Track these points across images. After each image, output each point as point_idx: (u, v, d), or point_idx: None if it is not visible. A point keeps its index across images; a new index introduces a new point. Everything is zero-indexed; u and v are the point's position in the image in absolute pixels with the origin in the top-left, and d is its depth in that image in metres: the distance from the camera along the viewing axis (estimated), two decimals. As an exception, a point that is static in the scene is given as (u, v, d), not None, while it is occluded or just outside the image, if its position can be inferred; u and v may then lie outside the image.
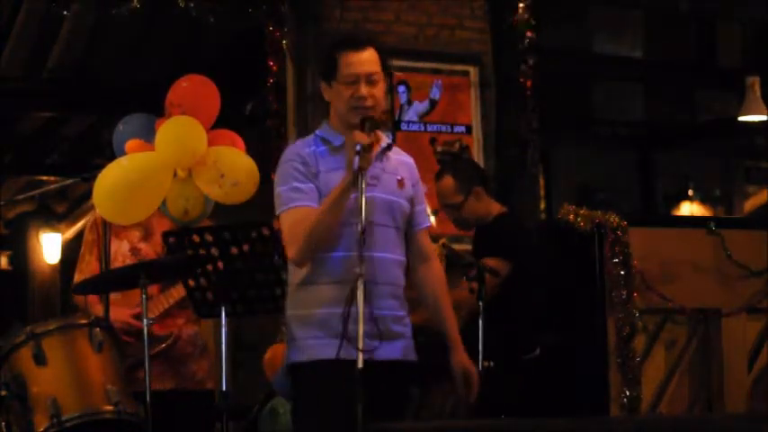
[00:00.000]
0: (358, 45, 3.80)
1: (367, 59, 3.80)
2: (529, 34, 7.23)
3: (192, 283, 4.67)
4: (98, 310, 4.93)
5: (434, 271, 4.00)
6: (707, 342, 5.19)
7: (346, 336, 3.59)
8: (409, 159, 3.98)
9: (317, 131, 3.91)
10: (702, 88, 10.99)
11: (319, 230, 3.68)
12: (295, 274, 3.82)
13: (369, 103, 3.77)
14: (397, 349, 3.81)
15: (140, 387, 4.64)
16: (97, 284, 4.86)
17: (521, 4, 7.26)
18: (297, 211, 3.73)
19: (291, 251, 3.75)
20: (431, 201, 7.09)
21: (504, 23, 7.33)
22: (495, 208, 5.38)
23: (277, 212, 3.82)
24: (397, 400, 3.82)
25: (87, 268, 5.03)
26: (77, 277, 5.03)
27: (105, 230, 4.91)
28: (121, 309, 4.85)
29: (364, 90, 3.77)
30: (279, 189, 3.81)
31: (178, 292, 4.91)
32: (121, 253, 5.00)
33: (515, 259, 5.08)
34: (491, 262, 4.97)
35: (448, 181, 5.37)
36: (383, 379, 3.66)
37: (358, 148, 3.58)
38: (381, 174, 3.84)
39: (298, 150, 3.84)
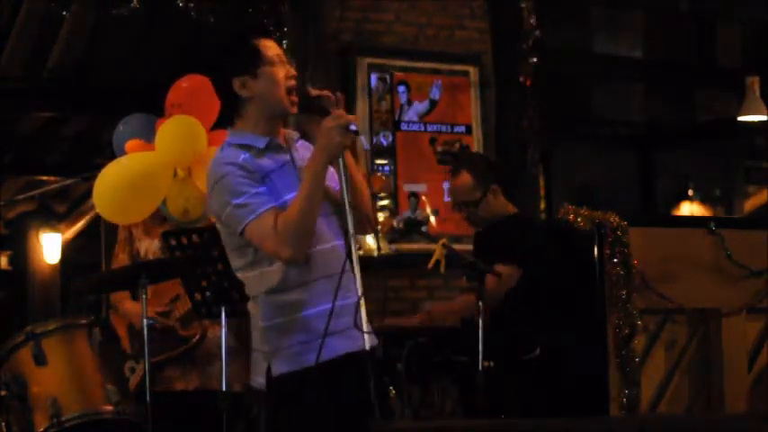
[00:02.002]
0: (265, 33, 3.75)
1: (275, 44, 3.75)
2: (537, 33, 7.25)
3: (191, 283, 4.68)
4: (128, 306, 4.93)
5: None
6: (707, 342, 5.19)
7: (359, 332, 3.50)
8: (304, 140, 3.82)
9: (230, 141, 3.70)
10: (702, 88, 11.00)
11: (308, 220, 3.55)
12: (262, 284, 3.64)
13: (294, 81, 3.70)
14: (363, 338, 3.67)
15: (163, 386, 4.66)
16: (97, 284, 4.87)
17: (523, 5, 7.27)
18: (270, 213, 3.55)
19: (286, 250, 3.53)
20: (432, 200, 7.12)
21: (506, 23, 7.34)
22: (510, 208, 5.35)
23: (244, 223, 3.56)
24: (372, 391, 3.71)
25: (119, 266, 5.06)
26: None
27: (105, 230, 4.92)
28: (150, 306, 4.85)
29: (291, 69, 3.70)
30: (235, 201, 3.56)
31: None
32: (152, 251, 5.02)
33: (526, 264, 5.06)
34: (502, 269, 4.94)
35: (465, 177, 5.28)
36: (363, 370, 3.58)
37: (354, 128, 3.50)
38: (303, 163, 3.71)
39: (232, 161, 3.61)
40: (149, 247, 5.03)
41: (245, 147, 3.67)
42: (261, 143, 3.68)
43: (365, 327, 3.51)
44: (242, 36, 3.73)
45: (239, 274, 3.73)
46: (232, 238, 3.67)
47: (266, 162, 3.66)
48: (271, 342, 3.65)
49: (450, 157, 7.04)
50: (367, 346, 3.47)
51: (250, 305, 3.73)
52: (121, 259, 5.07)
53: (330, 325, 3.56)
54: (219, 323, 4.97)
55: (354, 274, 3.53)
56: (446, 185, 7.13)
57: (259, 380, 3.70)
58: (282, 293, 3.63)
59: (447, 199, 7.16)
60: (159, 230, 5.01)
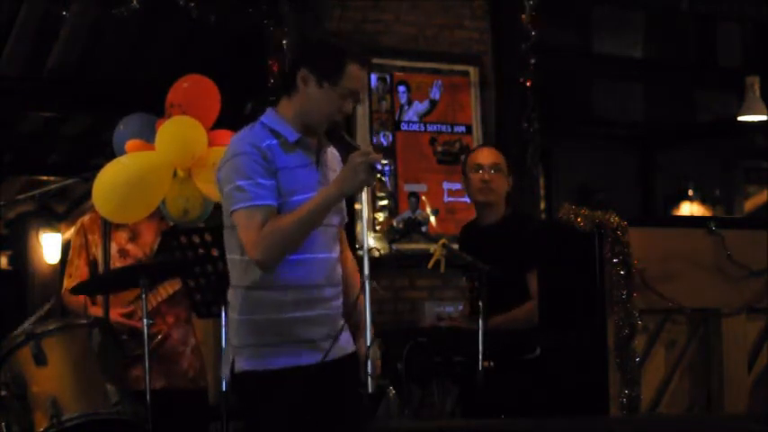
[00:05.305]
0: (364, 63, 3.68)
1: (364, 78, 3.73)
2: (537, 33, 7.26)
3: (191, 282, 4.68)
4: (94, 311, 4.94)
5: (349, 256, 3.90)
6: (707, 342, 5.18)
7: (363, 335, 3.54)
8: (334, 149, 3.79)
9: (264, 120, 3.67)
10: (702, 88, 11.00)
11: (297, 238, 3.53)
12: (244, 276, 3.63)
13: (342, 117, 3.69)
14: (347, 342, 3.73)
15: (132, 385, 4.66)
16: (97, 285, 4.86)
17: (529, 3, 7.27)
18: (264, 209, 3.52)
19: (259, 253, 3.50)
20: (432, 200, 7.12)
21: (506, 23, 7.35)
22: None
23: (235, 207, 3.55)
24: (357, 392, 3.72)
25: (77, 272, 5.02)
26: (67, 282, 5.03)
27: (105, 231, 4.92)
28: (112, 309, 4.85)
29: (350, 107, 3.67)
30: (238, 183, 3.54)
31: (166, 290, 4.92)
32: (110, 255, 4.99)
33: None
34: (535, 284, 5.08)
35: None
36: (345, 373, 3.66)
37: (380, 167, 3.48)
38: (328, 172, 3.72)
39: (254, 143, 3.58)
40: (107, 250, 5.01)
41: (276, 133, 3.64)
42: (292, 137, 3.65)
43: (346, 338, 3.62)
44: (343, 51, 3.64)
45: (228, 255, 3.71)
46: (227, 216, 3.66)
47: (289, 157, 3.63)
48: (240, 337, 3.64)
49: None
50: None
51: (230, 294, 3.71)
52: (77, 265, 5.03)
53: (303, 333, 3.60)
54: (186, 322, 5.01)
55: (365, 312, 3.55)
56: (446, 185, 7.15)
57: (225, 371, 3.71)
58: (262, 291, 3.61)
59: (447, 199, 7.16)
60: (116, 234, 4.99)
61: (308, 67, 3.63)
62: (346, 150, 3.60)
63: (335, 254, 3.73)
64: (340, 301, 3.73)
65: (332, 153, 3.78)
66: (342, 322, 3.70)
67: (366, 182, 3.49)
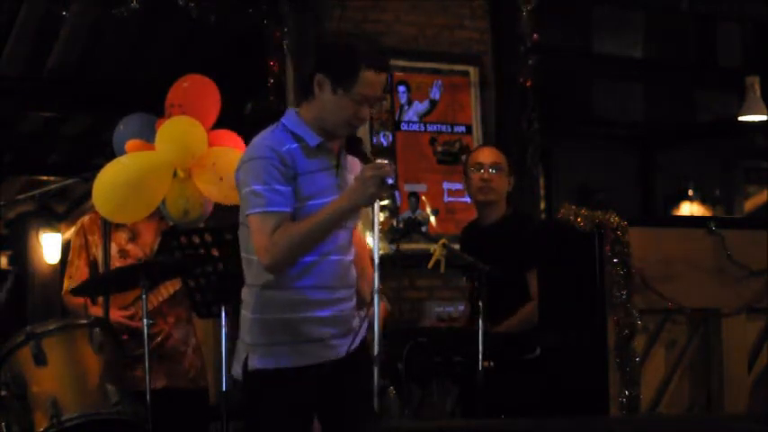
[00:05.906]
0: (383, 67, 3.60)
1: (382, 83, 3.62)
2: (535, 36, 7.26)
3: (191, 283, 4.68)
4: (95, 312, 4.93)
5: (358, 241, 3.91)
6: (707, 342, 5.18)
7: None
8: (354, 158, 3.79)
9: (285, 122, 3.65)
10: (702, 88, 11.01)
11: (306, 246, 3.55)
12: (259, 275, 3.63)
13: (361, 123, 3.67)
14: (358, 341, 3.74)
15: (132, 386, 4.65)
16: (98, 285, 4.86)
17: (523, 5, 7.27)
18: (278, 215, 3.53)
19: (268, 258, 3.53)
20: (432, 200, 7.12)
21: (506, 23, 7.35)
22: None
23: (249, 211, 3.56)
24: (365, 392, 3.76)
25: (77, 273, 5.02)
26: (67, 283, 5.02)
27: (105, 231, 4.92)
28: (113, 309, 4.85)
29: (367, 112, 3.63)
30: (255, 187, 3.54)
31: (167, 290, 4.92)
32: (110, 255, 4.99)
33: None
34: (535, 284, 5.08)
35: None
36: (354, 374, 3.68)
37: (390, 181, 3.47)
38: (348, 176, 3.71)
39: (273, 147, 3.56)
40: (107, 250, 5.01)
41: (298, 137, 3.63)
42: (313, 141, 3.63)
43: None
44: (357, 56, 3.57)
45: (243, 255, 3.72)
46: (244, 216, 3.67)
47: (310, 161, 3.62)
48: (253, 335, 3.66)
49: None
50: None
51: (244, 292, 3.73)
52: (77, 266, 5.01)
53: (315, 332, 3.62)
54: (187, 322, 5.01)
55: (373, 325, 3.55)
56: (446, 185, 7.15)
57: (237, 369, 3.71)
58: (276, 291, 3.63)
59: (447, 199, 7.16)
60: (116, 234, 4.99)
61: (323, 72, 3.60)
62: (362, 162, 3.61)
63: (350, 256, 3.74)
64: (353, 303, 3.75)
65: (351, 158, 3.77)
66: (356, 323, 3.72)
67: (376, 195, 3.49)
